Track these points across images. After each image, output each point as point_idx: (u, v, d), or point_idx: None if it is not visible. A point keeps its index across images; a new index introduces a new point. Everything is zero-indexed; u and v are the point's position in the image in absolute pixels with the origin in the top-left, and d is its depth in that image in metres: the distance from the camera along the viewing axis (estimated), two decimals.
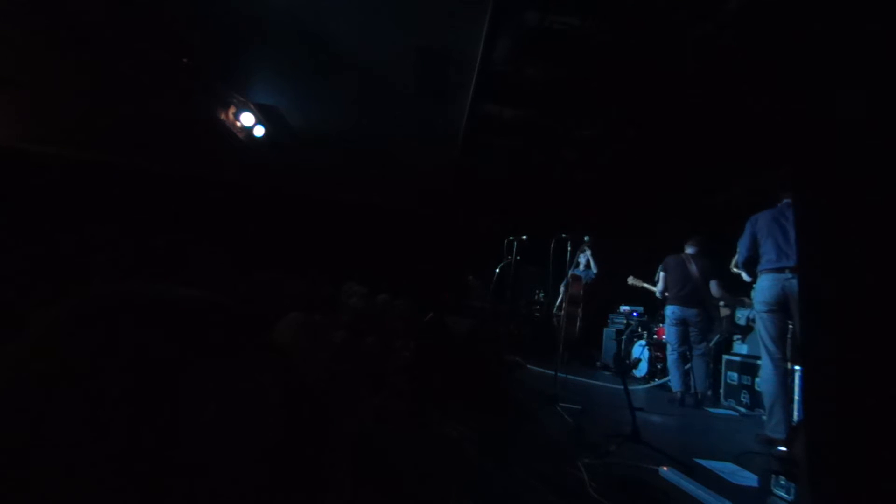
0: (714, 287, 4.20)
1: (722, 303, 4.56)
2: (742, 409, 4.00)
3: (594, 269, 6.34)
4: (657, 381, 5.12)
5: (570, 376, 4.31)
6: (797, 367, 3.65)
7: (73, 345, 0.32)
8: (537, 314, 7.20)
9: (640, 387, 4.94)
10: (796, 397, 3.60)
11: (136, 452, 0.30)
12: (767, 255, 3.02)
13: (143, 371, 0.31)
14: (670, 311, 4.34)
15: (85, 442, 0.29)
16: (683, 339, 4.28)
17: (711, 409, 4.09)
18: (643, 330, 5.89)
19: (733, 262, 4.01)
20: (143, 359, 0.32)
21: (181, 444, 0.31)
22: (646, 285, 5.05)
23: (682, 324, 4.28)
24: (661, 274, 4.50)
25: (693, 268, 4.26)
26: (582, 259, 6.23)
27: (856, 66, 0.92)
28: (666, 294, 4.45)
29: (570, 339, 6.14)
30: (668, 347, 4.40)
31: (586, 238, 4.34)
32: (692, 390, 4.20)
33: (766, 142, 4.23)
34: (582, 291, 6.28)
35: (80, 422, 0.29)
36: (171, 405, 0.32)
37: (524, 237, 4.73)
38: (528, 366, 4.70)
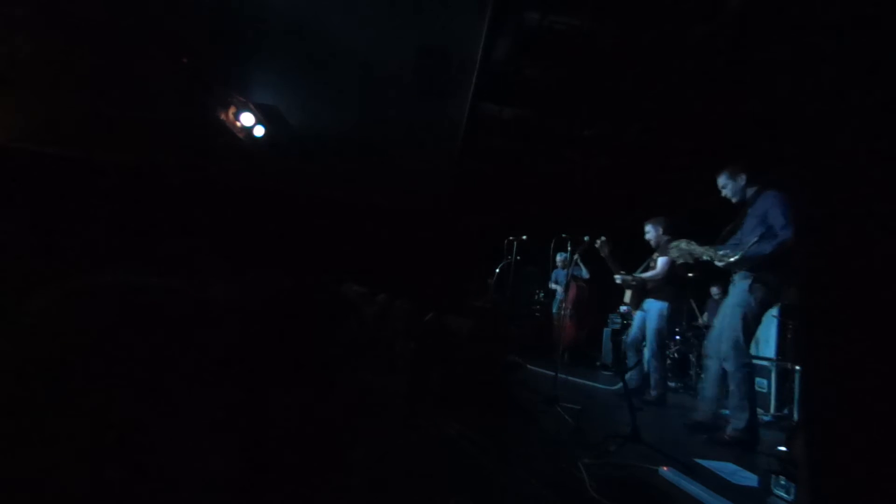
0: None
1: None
2: None
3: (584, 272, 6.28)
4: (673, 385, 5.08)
5: (570, 377, 4.31)
6: (797, 367, 3.66)
7: (58, 329, 0.32)
8: (537, 314, 7.20)
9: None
10: (796, 397, 3.61)
11: (113, 436, 0.30)
12: None
13: (116, 352, 0.32)
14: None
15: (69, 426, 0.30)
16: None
17: None
18: None
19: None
20: (118, 342, 0.33)
21: (152, 432, 0.32)
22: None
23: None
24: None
25: None
26: (559, 258, 6.02)
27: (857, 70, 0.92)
28: None
29: (577, 344, 6.12)
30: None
31: (586, 238, 4.32)
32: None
33: (766, 141, 4.23)
34: (587, 294, 6.26)
35: (66, 397, 0.30)
36: (142, 390, 0.32)
37: (524, 237, 4.73)
38: (528, 366, 4.70)
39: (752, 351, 4.34)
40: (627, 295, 4.30)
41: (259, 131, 5.06)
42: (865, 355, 0.84)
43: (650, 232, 4.15)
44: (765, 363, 4.11)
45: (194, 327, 0.38)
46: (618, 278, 4.24)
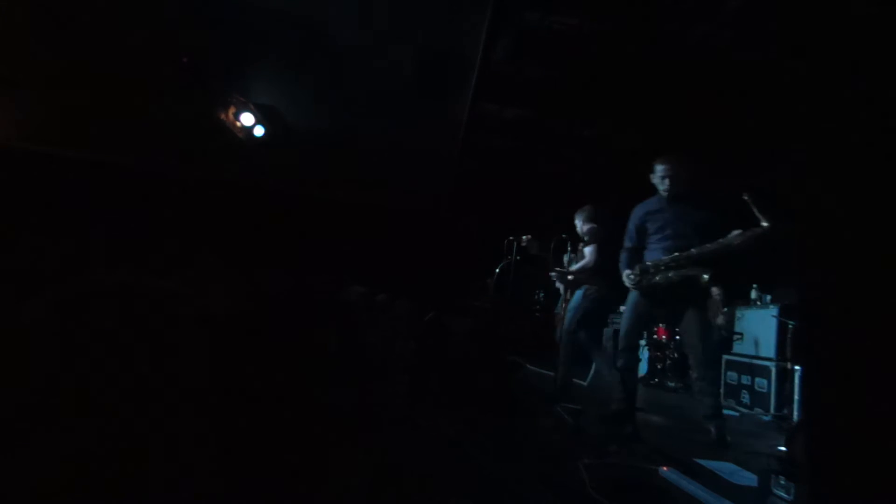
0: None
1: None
2: (742, 410, 4.00)
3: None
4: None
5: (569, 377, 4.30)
6: (797, 367, 3.66)
7: (57, 330, 0.33)
8: (537, 314, 7.19)
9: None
10: (796, 397, 3.61)
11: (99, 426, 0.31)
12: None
13: (115, 353, 0.33)
14: None
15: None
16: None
17: None
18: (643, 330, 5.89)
19: None
20: (117, 343, 0.33)
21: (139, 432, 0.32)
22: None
23: None
24: None
25: None
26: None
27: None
28: None
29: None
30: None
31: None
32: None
33: (766, 140, 4.23)
34: None
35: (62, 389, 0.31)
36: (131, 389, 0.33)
37: (524, 237, 4.72)
38: (528, 366, 4.70)
39: (752, 351, 4.35)
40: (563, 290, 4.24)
41: (259, 131, 5.06)
42: (865, 355, 0.84)
43: (577, 223, 4.11)
44: (765, 363, 4.11)
45: (193, 329, 0.38)
46: (552, 275, 4.22)
